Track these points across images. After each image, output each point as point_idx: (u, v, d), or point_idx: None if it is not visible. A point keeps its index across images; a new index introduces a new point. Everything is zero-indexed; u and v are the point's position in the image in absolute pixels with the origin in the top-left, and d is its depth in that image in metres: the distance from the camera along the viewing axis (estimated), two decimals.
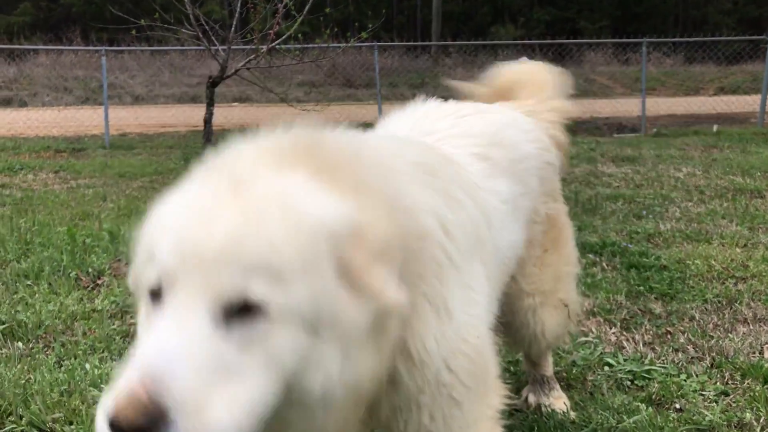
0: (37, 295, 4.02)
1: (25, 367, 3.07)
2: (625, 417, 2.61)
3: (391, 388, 1.47)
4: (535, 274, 2.44)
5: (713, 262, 4.55)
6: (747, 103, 17.55)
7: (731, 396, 2.80)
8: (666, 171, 9.22)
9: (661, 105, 18.44)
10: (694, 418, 2.60)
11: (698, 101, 19.72)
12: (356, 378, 1.28)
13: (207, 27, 11.40)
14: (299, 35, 11.67)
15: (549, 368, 2.86)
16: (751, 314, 3.70)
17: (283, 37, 11.41)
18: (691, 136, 13.82)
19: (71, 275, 4.43)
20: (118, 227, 5.12)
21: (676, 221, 5.99)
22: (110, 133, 14.57)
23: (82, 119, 17.43)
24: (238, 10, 11.45)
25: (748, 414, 2.63)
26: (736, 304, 3.83)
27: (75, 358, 3.19)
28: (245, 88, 22.57)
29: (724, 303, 3.87)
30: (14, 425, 2.61)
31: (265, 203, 1.24)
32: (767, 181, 8.10)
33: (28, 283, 4.27)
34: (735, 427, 2.54)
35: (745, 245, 5.09)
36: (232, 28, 11.34)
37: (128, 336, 3.52)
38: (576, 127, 15.50)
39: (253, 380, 1.16)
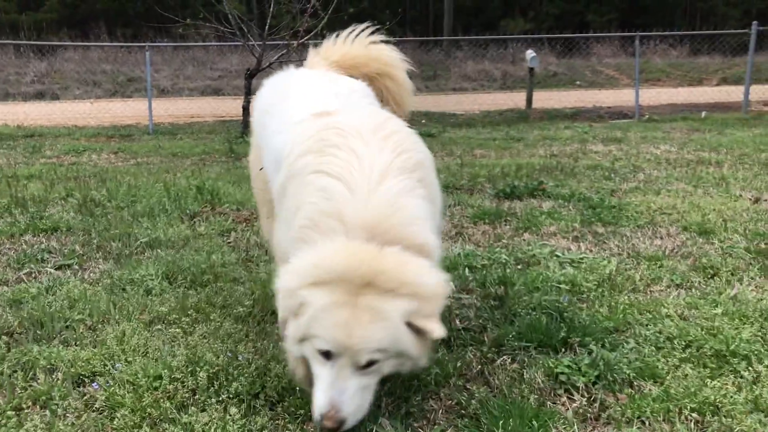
0: (159, 224, 5.60)
1: (173, 256, 4.65)
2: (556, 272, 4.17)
3: None
4: None
5: (652, 204, 6.07)
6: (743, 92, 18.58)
7: (627, 266, 4.36)
8: (646, 149, 10.45)
9: (663, 95, 19.39)
10: (598, 270, 4.18)
11: (699, 91, 20.60)
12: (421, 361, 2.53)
13: (243, 24, 12.97)
14: (324, 31, 13.16)
15: None
16: (665, 233, 5.23)
17: (312, 34, 12.90)
18: (679, 121, 14.96)
19: (174, 215, 6.01)
20: (203, 183, 6.69)
21: (638, 182, 7.47)
22: (143, 123, 16.12)
23: (114, 110, 18.90)
24: (271, 8, 12.95)
25: (633, 272, 4.19)
26: (657, 227, 5.36)
27: (209, 249, 4.76)
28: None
29: (649, 226, 5.40)
30: (179, 317, 4.18)
31: (372, 319, 2.33)
32: (729, 155, 9.48)
33: (146, 219, 5.85)
34: (619, 277, 4.09)
35: (683, 197, 6.58)
36: (266, 26, 12.90)
37: (235, 249, 5.06)
38: (577, 115, 16.84)
39: (372, 388, 2.47)
